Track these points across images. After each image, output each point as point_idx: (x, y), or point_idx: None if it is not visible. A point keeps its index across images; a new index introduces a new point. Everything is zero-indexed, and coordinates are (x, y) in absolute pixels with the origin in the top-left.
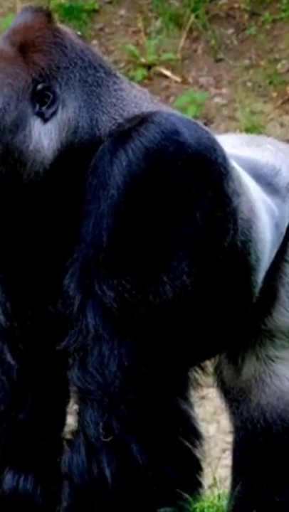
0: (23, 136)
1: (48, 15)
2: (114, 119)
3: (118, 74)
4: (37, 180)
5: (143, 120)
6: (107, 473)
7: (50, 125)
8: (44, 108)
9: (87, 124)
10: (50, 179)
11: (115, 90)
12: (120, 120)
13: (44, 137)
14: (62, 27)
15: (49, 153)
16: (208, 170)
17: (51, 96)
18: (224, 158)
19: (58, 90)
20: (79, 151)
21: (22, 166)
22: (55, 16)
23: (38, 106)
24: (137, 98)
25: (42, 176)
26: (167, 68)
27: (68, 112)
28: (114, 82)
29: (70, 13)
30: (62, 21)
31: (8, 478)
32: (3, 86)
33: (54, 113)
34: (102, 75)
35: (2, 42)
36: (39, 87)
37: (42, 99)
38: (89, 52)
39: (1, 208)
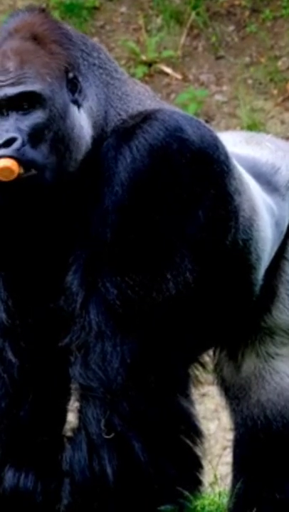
0: (70, 122)
1: (43, 10)
2: (120, 114)
3: (117, 64)
4: (74, 170)
5: (147, 117)
6: (108, 470)
7: (83, 112)
8: (77, 95)
9: (102, 115)
10: (78, 170)
11: (119, 80)
12: (124, 116)
13: (83, 123)
14: (59, 20)
15: (88, 139)
16: (211, 167)
17: (79, 84)
18: (226, 156)
19: (80, 78)
20: (94, 143)
21: (69, 153)
22: (56, 14)
23: (71, 94)
24: (140, 95)
25: (78, 165)
26: (168, 65)
27: (89, 100)
28: (116, 70)
29: (71, 10)
30: (62, 18)
31: (9, 476)
32: (44, 75)
33: (83, 100)
34: (103, 56)
35: (8, 41)
36: (70, 75)
37: (73, 87)
38: (87, 38)
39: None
